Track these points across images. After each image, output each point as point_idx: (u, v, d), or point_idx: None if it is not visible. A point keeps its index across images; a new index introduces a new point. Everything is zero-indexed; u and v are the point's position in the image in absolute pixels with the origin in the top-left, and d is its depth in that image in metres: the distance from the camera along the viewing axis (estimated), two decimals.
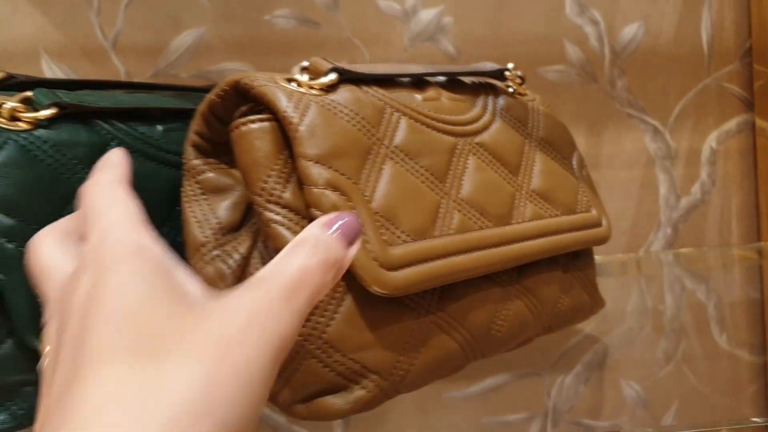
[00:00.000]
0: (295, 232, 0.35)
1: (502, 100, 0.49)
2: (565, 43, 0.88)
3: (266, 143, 0.36)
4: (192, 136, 0.40)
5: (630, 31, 0.89)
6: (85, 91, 0.41)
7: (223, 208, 0.40)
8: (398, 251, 0.36)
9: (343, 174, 0.36)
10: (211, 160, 0.40)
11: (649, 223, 0.92)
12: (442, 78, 0.46)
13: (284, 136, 0.36)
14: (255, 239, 0.39)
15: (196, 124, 0.40)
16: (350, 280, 0.36)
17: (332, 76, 0.39)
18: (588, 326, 0.57)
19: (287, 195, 0.36)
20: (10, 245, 0.35)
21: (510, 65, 0.51)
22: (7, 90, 0.40)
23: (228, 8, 0.84)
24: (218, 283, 0.38)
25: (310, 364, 0.36)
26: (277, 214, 0.36)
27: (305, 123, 0.36)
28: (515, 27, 0.87)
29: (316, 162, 0.35)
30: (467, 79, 0.48)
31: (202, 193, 0.40)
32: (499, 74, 0.50)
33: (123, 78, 0.84)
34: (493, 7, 0.86)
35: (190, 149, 0.40)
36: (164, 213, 0.42)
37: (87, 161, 0.38)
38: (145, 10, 0.83)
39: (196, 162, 0.40)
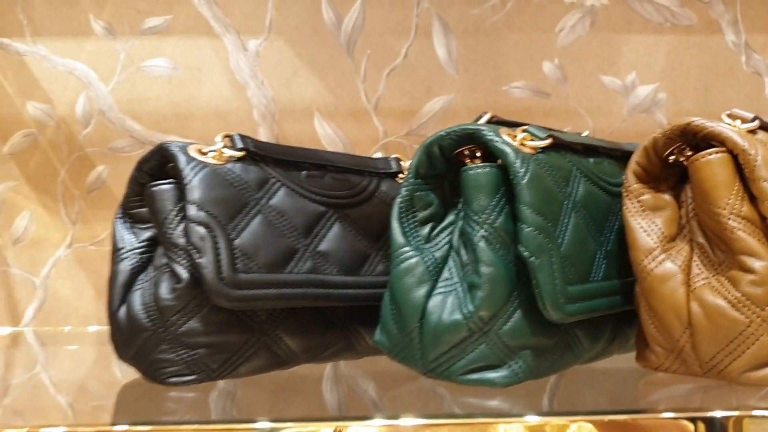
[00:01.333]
0: (754, 237, 0.46)
1: None
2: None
3: (726, 170, 0.47)
4: (633, 165, 0.51)
5: None
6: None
7: (661, 223, 0.50)
8: None
9: None
10: (645, 185, 0.51)
11: None
12: None
13: (736, 164, 0.47)
14: (692, 247, 0.50)
15: (638, 156, 0.51)
16: None
17: (755, 123, 0.50)
18: None
19: (745, 209, 0.47)
20: (540, 236, 0.46)
21: None
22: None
23: (473, 79, 0.97)
24: (668, 280, 0.48)
25: (765, 339, 0.45)
26: (739, 223, 0.46)
27: (759, 155, 0.47)
28: (721, 104, 0.99)
29: None
30: None
31: (643, 210, 0.51)
32: None
33: (380, 137, 0.97)
34: (702, 87, 0.99)
35: (631, 175, 0.51)
36: (601, 227, 0.53)
37: (563, 182, 0.50)
38: (403, 79, 0.96)
39: (636, 186, 0.51)
